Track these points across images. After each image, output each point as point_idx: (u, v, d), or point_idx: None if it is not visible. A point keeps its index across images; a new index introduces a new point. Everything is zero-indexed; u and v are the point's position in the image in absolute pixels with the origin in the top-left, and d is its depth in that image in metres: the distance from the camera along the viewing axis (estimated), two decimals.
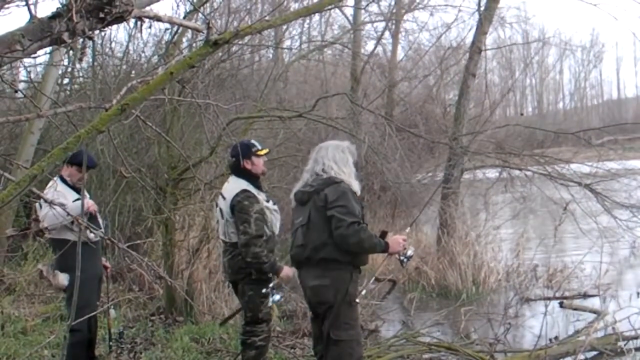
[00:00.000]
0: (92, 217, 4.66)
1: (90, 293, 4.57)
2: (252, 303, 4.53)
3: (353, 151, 4.19)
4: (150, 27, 2.50)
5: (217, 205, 4.72)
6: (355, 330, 3.97)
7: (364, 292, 3.99)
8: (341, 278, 3.86)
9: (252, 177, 4.59)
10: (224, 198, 4.52)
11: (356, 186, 4.03)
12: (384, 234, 4.00)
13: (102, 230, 4.70)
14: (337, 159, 4.04)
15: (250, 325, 4.55)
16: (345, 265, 3.88)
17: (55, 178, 4.66)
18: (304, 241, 3.96)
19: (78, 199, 4.49)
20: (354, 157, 4.18)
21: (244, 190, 4.48)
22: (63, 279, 4.49)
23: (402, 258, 4.10)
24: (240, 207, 4.41)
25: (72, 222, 3.99)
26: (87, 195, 4.91)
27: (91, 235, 4.39)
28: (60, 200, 4.24)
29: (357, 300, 3.93)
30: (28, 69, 9.34)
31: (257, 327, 4.55)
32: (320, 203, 3.90)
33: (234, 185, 4.54)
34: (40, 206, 4.41)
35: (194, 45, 8.21)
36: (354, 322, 3.95)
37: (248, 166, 4.55)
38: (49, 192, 4.37)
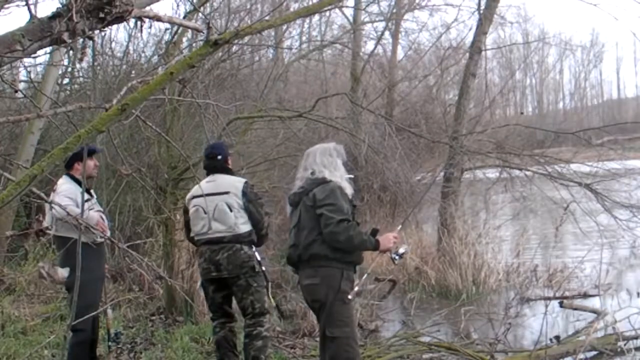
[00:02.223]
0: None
1: (95, 294, 4.57)
2: (258, 295, 4.70)
3: (341, 152, 4.17)
4: (150, 27, 2.50)
5: (198, 206, 4.76)
6: (350, 327, 3.94)
7: (356, 288, 3.90)
8: (331, 276, 3.86)
9: (233, 173, 4.95)
10: (223, 193, 4.66)
11: (348, 188, 4.00)
12: (374, 232, 3.99)
13: (109, 234, 4.70)
14: (325, 164, 4.04)
15: (257, 317, 4.69)
16: (336, 262, 3.87)
17: (64, 177, 4.65)
18: (296, 241, 4.02)
19: (87, 200, 4.50)
20: (343, 157, 4.15)
21: (247, 181, 4.85)
22: (63, 272, 4.50)
23: (393, 256, 4.08)
24: (253, 195, 4.80)
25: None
26: (94, 197, 4.90)
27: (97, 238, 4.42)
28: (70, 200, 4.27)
29: (350, 297, 3.87)
30: (28, 69, 9.34)
31: (263, 318, 4.72)
32: (309, 203, 3.92)
33: (230, 180, 4.78)
34: (51, 207, 4.44)
35: (194, 45, 8.21)
36: (348, 320, 3.93)
37: (230, 162, 4.94)
38: (58, 196, 4.37)
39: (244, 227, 4.67)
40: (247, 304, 4.68)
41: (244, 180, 4.83)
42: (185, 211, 4.95)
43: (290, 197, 4.14)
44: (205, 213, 4.68)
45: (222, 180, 4.74)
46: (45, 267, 4.63)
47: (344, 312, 3.88)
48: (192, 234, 4.85)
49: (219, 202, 4.65)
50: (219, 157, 4.75)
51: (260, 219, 4.74)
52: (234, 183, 4.74)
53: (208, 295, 4.85)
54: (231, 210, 4.64)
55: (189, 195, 4.91)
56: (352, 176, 4.22)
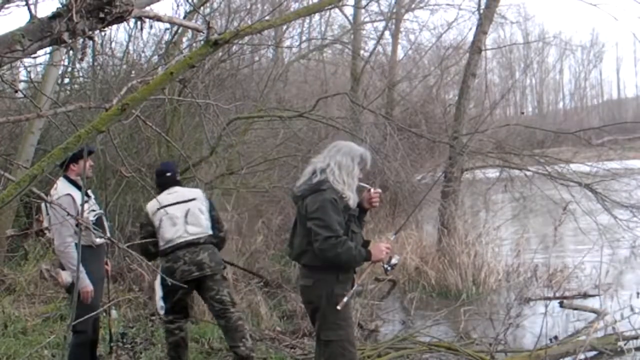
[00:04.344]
0: (99, 221, 4.66)
1: (95, 295, 4.57)
2: (229, 287, 5.17)
3: (366, 159, 3.99)
4: (150, 27, 2.50)
5: (169, 214, 5.02)
6: (346, 330, 3.86)
7: (345, 299, 3.75)
8: (325, 280, 3.80)
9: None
10: (191, 200, 5.04)
11: (352, 199, 3.87)
12: (366, 243, 3.93)
13: (109, 235, 4.71)
14: (342, 165, 3.89)
15: (233, 306, 5.01)
16: (329, 269, 3.80)
17: (61, 180, 4.63)
18: (291, 243, 4.04)
19: (86, 201, 4.50)
20: (365, 166, 4.01)
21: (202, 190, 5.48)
22: (67, 276, 4.49)
23: (385, 266, 4.00)
24: (212, 201, 5.34)
25: (78, 225, 3.98)
26: (92, 196, 4.91)
27: (97, 240, 4.42)
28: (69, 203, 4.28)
29: (339, 307, 3.73)
30: (28, 69, 9.32)
31: (233, 308, 5.01)
32: (302, 211, 3.85)
33: (189, 189, 5.33)
34: (47, 211, 4.45)
35: (194, 45, 8.21)
36: (344, 323, 3.84)
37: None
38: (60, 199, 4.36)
39: (211, 229, 5.05)
40: (225, 295, 4.99)
41: (199, 190, 5.40)
42: (147, 224, 5.09)
43: (292, 195, 4.09)
44: (177, 219, 4.95)
45: (182, 190, 5.13)
46: (49, 269, 4.64)
47: (339, 316, 3.80)
48: (162, 243, 4.97)
49: (190, 207, 4.99)
50: (168, 174, 5.13)
51: (223, 223, 5.32)
52: (195, 191, 5.24)
53: (174, 299, 4.94)
54: (203, 214, 5.03)
55: (152, 209, 5.05)
56: (367, 186, 4.12)
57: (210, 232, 5.03)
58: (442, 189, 10.01)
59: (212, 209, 5.14)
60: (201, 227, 4.98)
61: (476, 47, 10.21)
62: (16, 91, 4.01)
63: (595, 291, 7.74)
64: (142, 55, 10.08)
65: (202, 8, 7.56)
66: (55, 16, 2.18)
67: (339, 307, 3.73)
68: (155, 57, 9.34)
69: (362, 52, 14.59)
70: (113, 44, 10.53)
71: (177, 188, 5.11)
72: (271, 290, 7.89)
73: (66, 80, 11.01)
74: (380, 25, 14.89)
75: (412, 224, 10.51)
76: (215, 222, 5.11)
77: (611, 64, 79.41)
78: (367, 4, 14.38)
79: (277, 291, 7.85)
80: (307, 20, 15.46)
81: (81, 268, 4.31)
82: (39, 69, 10.74)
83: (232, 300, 5.03)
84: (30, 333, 5.98)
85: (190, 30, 7.47)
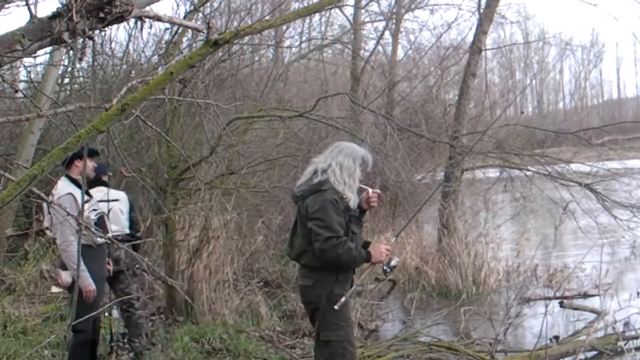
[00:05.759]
0: (100, 220, 4.66)
1: (96, 294, 4.56)
2: (142, 284, 5.51)
3: (367, 161, 4.01)
4: (150, 27, 2.50)
5: (99, 209, 5.22)
6: (345, 330, 3.85)
7: (343, 299, 3.74)
8: (325, 279, 3.80)
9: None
10: (114, 200, 5.35)
11: (352, 200, 3.87)
12: (366, 244, 3.93)
13: (110, 235, 4.72)
14: (343, 166, 3.89)
15: (139, 303, 5.34)
16: (329, 270, 3.80)
17: (62, 180, 4.63)
18: (291, 243, 4.03)
19: (87, 201, 4.51)
20: (366, 167, 4.02)
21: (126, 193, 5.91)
22: (67, 276, 4.49)
23: (385, 268, 4.00)
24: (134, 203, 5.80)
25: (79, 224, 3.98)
26: (93, 196, 4.91)
27: (98, 239, 4.43)
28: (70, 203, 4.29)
29: (336, 307, 3.71)
30: (28, 69, 9.31)
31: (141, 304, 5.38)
32: (303, 212, 3.85)
33: (115, 191, 5.60)
34: (49, 211, 4.46)
35: (194, 45, 8.20)
36: (343, 323, 3.84)
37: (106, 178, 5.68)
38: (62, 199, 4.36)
39: (128, 229, 5.46)
40: (132, 289, 5.31)
41: (123, 192, 5.76)
42: None
43: (292, 195, 4.09)
44: None
45: (108, 191, 5.42)
46: (49, 269, 4.63)
47: (339, 316, 3.79)
48: None
49: (113, 206, 5.31)
50: (108, 174, 5.59)
51: (140, 224, 5.81)
52: (119, 193, 5.63)
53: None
54: (123, 214, 5.42)
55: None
56: (366, 187, 4.11)
57: (128, 232, 5.42)
58: (442, 189, 10.02)
59: (131, 210, 5.58)
60: (120, 225, 5.37)
61: (476, 47, 10.22)
62: (16, 91, 4.01)
63: (595, 291, 7.75)
64: (142, 55, 10.09)
65: (202, 8, 7.55)
66: (55, 16, 2.18)
67: (336, 307, 3.73)
68: (155, 57, 9.33)
69: (362, 52, 14.59)
70: (113, 44, 10.53)
71: (102, 188, 5.43)
72: (271, 290, 7.89)
73: (66, 80, 11.02)
74: (380, 25, 14.89)
75: (412, 224, 10.51)
76: (133, 223, 5.53)
77: (611, 64, 79.15)
78: (367, 4, 14.38)
79: (277, 291, 7.85)
80: (307, 20, 15.47)
81: (83, 267, 4.32)
82: (39, 69, 10.75)
83: (139, 297, 5.34)
84: (30, 333, 5.98)
85: (190, 30, 7.46)
